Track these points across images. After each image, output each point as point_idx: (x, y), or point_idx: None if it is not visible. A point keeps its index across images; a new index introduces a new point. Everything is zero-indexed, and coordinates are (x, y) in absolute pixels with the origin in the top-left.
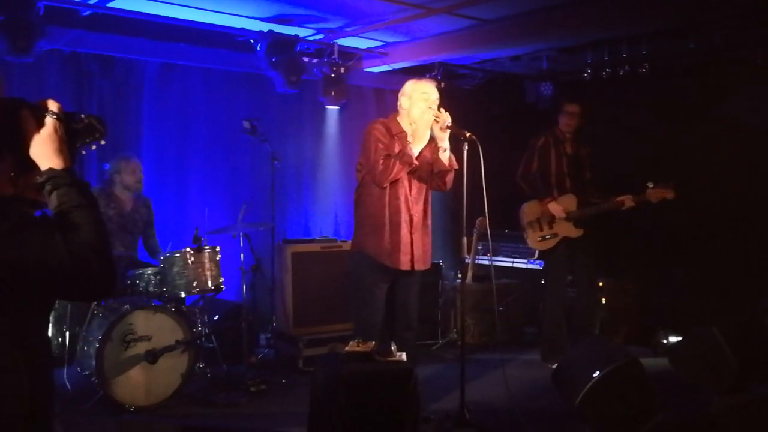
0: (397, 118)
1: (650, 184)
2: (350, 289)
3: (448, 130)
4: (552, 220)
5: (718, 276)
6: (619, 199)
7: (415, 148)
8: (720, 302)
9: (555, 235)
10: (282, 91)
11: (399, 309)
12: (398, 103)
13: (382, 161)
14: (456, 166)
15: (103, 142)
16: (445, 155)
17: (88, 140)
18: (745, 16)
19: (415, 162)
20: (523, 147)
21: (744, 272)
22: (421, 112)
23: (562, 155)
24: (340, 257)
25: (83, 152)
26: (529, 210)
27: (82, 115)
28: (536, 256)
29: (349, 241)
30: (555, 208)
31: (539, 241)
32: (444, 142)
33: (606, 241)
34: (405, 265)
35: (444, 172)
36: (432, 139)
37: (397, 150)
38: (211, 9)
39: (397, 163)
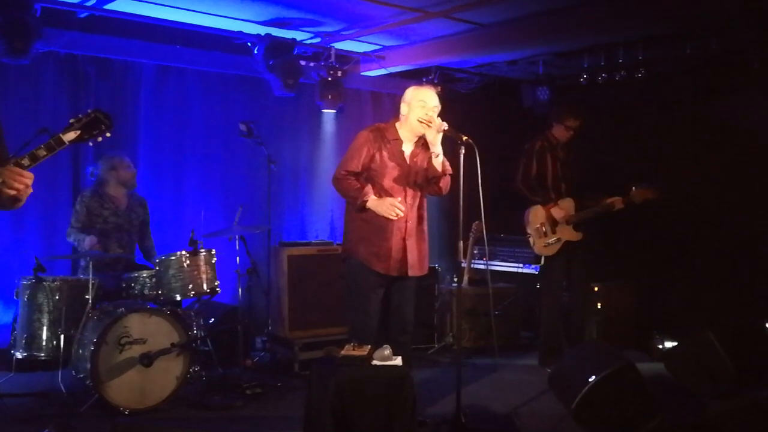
0: (396, 124)
1: (634, 186)
2: (344, 294)
3: (440, 136)
4: (555, 225)
5: (713, 280)
6: (609, 201)
7: (371, 204)
8: (715, 306)
9: (558, 240)
10: (279, 94)
11: (394, 313)
12: (401, 110)
13: (344, 172)
14: (450, 171)
15: (109, 134)
16: (438, 160)
17: (95, 132)
18: (742, 20)
19: (359, 204)
20: (520, 151)
21: (739, 276)
22: (418, 119)
23: (556, 159)
24: (336, 260)
25: (90, 143)
26: (534, 216)
27: (89, 111)
28: (542, 262)
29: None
30: (558, 212)
31: (545, 246)
32: (437, 148)
33: (601, 245)
34: (396, 271)
35: (437, 177)
36: (426, 145)
37: (359, 186)
38: (208, 12)
39: (351, 192)
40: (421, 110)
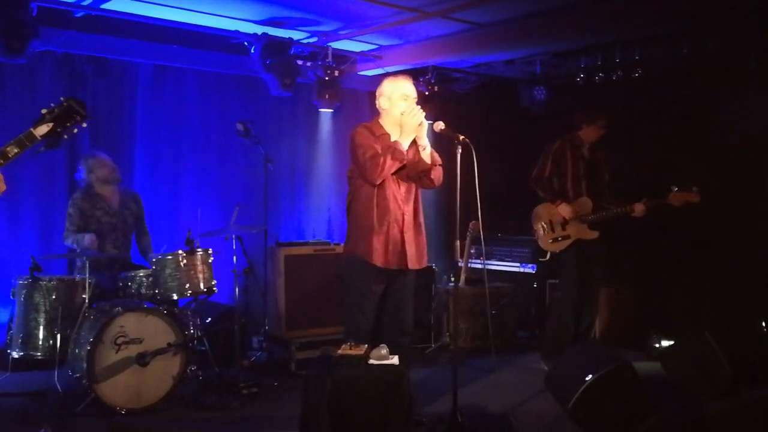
0: (379, 120)
1: (674, 188)
2: (343, 293)
3: (425, 127)
4: (565, 221)
5: (710, 280)
6: (632, 206)
7: (404, 143)
8: (712, 306)
9: (568, 236)
10: (276, 93)
11: (393, 313)
12: (377, 103)
13: (370, 159)
14: (439, 162)
15: (84, 125)
16: (426, 152)
17: (68, 123)
18: (739, 22)
19: (406, 156)
20: (516, 150)
21: (736, 276)
22: (402, 112)
23: (579, 159)
24: (333, 260)
25: (65, 136)
26: (540, 212)
27: (62, 98)
28: (548, 257)
29: (342, 245)
30: (564, 209)
31: (551, 242)
32: (423, 140)
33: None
34: (396, 264)
35: (427, 170)
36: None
37: (384, 147)
38: (205, 11)
39: (388, 158)
40: (404, 103)
